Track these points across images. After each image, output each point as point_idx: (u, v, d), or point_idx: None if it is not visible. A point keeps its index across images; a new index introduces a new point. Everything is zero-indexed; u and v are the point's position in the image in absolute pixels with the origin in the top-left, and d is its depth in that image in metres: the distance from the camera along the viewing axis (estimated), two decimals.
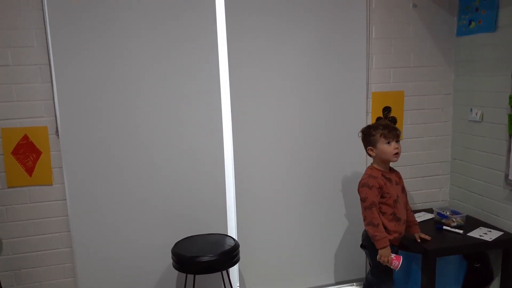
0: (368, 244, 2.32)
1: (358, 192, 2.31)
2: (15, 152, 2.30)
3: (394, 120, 2.85)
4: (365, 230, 2.33)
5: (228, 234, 2.56)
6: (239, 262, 2.38)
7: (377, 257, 2.22)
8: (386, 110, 2.84)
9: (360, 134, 2.39)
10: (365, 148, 2.36)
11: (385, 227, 2.25)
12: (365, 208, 2.25)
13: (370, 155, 2.36)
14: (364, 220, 2.26)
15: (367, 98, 2.78)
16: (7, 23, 2.22)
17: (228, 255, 2.21)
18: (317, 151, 2.73)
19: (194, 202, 2.56)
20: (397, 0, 2.74)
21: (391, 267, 2.21)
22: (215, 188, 2.58)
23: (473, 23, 2.68)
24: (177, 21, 2.39)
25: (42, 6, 2.22)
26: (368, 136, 2.32)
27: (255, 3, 2.49)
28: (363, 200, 2.26)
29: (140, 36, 2.36)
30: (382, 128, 2.28)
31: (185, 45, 2.42)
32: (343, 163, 2.78)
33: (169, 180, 2.51)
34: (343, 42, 2.66)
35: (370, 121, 2.81)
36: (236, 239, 2.43)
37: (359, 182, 2.32)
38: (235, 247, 2.27)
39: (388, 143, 2.27)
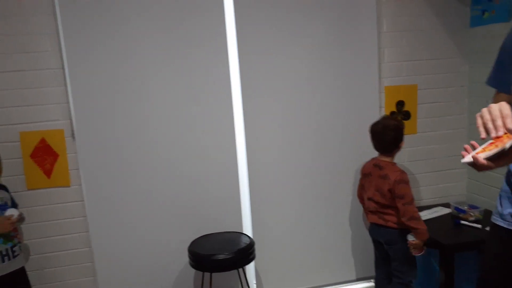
0: (394, 240, 2.31)
1: (393, 190, 2.23)
2: (33, 155, 2.35)
3: (407, 114, 2.82)
4: (384, 228, 2.32)
5: (244, 232, 2.57)
6: (256, 260, 2.39)
7: (411, 248, 2.23)
8: (400, 104, 2.81)
9: (395, 130, 2.31)
10: (397, 143, 2.31)
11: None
12: (403, 204, 2.20)
13: (396, 150, 2.34)
14: (403, 216, 2.20)
15: (379, 93, 2.75)
16: (22, 29, 2.26)
17: (243, 253, 2.23)
18: (330, 147, 2.72)
19: (209, 201, 2.58)
20: None
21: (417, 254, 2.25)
22: (230, 187, 2.59)
23: (486, 14, 2.63)
24: (187, 23, 2.41)
25: (54, 11, 2.26)
26: (402, 130, 2.32)
27: (264, 1, 2.49)
28: (401, 196, 2.21)
29: (151, 39, 2.38)
30: (400, 120, 2.39)
31: (195, 47, 2.43)
32: (357, 158, 2.76)
33: (184, 180, 2.53)
34: (353, 36, 2.64)
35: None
36: (252, 237, 2.44)
37: (392, 180, 2.23)
38: (251, 245, 2.28)
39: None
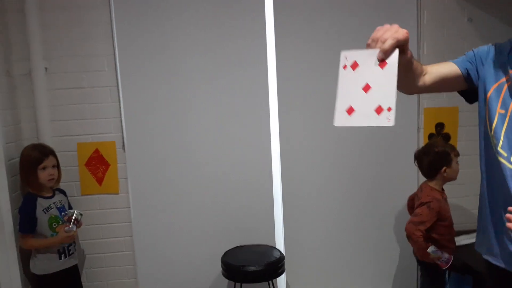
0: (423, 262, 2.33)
1: (415, 207, 2.31)
2: (87, 164, 2.60)
3: (447, 137, 2.79)
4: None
5: (275, 246, 2.66)
6: (286, 273, 2.46)
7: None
8: (439, 126, 2.78)
9: (426, 155, 2.35)
10: (439, 168, 2.32)
11: (445, 246, 2.25)
12: (411, 222, 2.24)
13: (439, 176, 2.33)
14: (406, 230, 2.26)
15: (418, 114, 2.75)
16: (84, 51, 2.53)
17: (273, 266, 2.31)
18: (366, 166, 2.75)
19: (245, 214, 2.70)
20: (451, 15, 2.70)
21: (443, 262, 2.19)
22: (264, 202, 2.70)
23: None
24: (230, 47, 2.58)
25: (112, 35, 2.52)
26: (442, 155, 2.31)
27: (302, 28, 2.60)
28: (416, 214, 2.26)
29: (197, 61, 2.57)
30: (451, 147, 2.34)
31: (236, 68, 2.59)
32: (394, 179, 2.77)
33: (222, 192, 2.68)
34: None
35: (422, 137, 2.77)
36: (283, 251, 2.52)
37: (421, 201, 2.28)
38: (281, 259, 2.37)
39: (457, 162, 2.33)
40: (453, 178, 2.35)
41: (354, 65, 1.11)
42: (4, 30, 2.40)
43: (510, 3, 2.69)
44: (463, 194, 2.84)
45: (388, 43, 1.06)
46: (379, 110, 1.08)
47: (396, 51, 1.07)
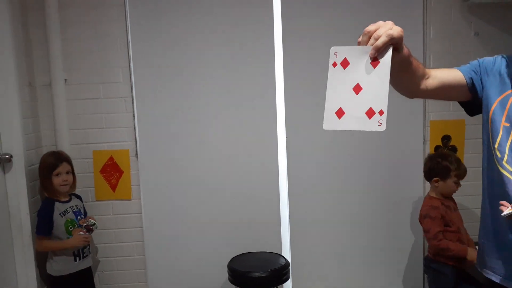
0: (426, 267, 2.38)
1: (420, 223, 2.37)
2: (102, 171, 2.72)
3: (454, 149, 2.81)
4: (426, 256, 2.41)
5: (281, 254, 2.72)
6: (293, 281, 2.52)
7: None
8: (445, 138, 2.81)
9: (430, 160, 2.42)
10: (430, 176, 2.39)
11: None
12: (429, 239, 2.31)
13: (432, 184, 2.41)
14: (429, 250, 2.34)
15: (424, 126, 2.79)
16: (101, 64, 2.67)
17: (278, 272, 2.36)
18: (373, 176, 2.79)
19: (252, 222, 2.77)
20: (457, 29, 2.74)
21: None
22: (271, 210, 2.76)
23: None
24: (240, 63, 2.68)
25: (128, 49, 2.65)
26: (442, 167, 2.35)
27: (309, 44, 2.67)
28: (426, 231, 2.32)
29: (207, 74, 2.68)
30: (458, 167, 2.34)
31: (246, 81, 2.69)
32: (400, 190, 2.80)
33: (230, 201, 2.76)
34: None
35: (428, 149, 2.81)
36: (288, 259, 2.58)
37: (420, 214, 2.38)
38: (285, 266, 2.42)
39: (456, 183, 2.34)
40: (444, 193, 2.39)
41: (345, 63, 1.03)
42: (27, 44, 2.56)
43: None
44: (471, 206, 2.85)
45: (381, 40, 0.98)
46: (370, 113, 1.00)
47: (390, 50, 0.99)
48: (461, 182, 2.81)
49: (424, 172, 2.48)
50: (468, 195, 2.84)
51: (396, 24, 1.05)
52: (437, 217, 2.27)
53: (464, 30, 2.74)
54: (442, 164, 2.35)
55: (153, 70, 2.65)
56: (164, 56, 2.65)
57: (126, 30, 2.63)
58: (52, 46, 2.57)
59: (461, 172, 2.34)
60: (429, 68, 2.70)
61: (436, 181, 2.36)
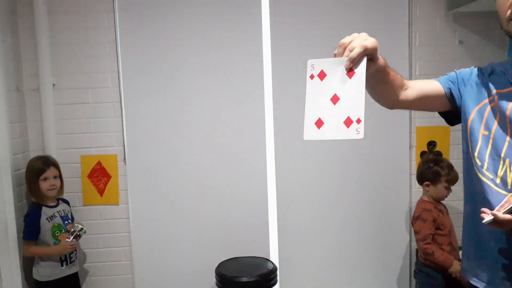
0: (417, 270, 2.44)
1: (412, 225, 2.43)
2: (90, 176, 2.72)
3: (439, 155, 2.86)
4: (417, 259, 2.46)
5: (269, 259, 2.73)
6: (281, 285, 2.53)
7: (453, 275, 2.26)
8: (431, 144, 2.86)
9: (423, 164, 2.48)
10: (421, 180, 2.46)
11: None
12: (417, 240, 2.36)
13: (423, 188, 2.46)
14: (419, 251, 2.40)
15: (410, 132, 2.83)
16: (90, 69, 2.67)
17: (265, 277, 2.38)
18: (360, 181, 2.82)
19: (240, 227, 2.78)
20: (442, 38, 2.79)
21: None
22: (259, 215, 2.78)
23: None
24: (228, 68, 2.70)
25: (117, 54, 2.66)
26: (433, 172, 2.40)
27: (299, 46, 2.70)
28: (416, 232, 2.37)
29: (195, 83, 2.70)
30: (448, 173, 2.39)
31: (234, 87, 2.72)
32: (386, 195, 2.84)
33: (218, 205, 2.77)
34: None
35: (414, 155, 2.85)
36: (276, 264, 2.59)
37: (413, 216, 2.44)
38: (273, 271, 2.43)
39: (446, 188, 2.40)
40: (435, 197, 2.44)
41: (322, 75, 1.07)
42: (16, 49, 2.56)
43: (499, 27, 2.77)
44: (457, 211, 2.89)
45: (356, 51, 1.01)
46: (348, 122, 1.03)
47: (364, 60, 1.02)
48: (453, 187, 2.88)
49: (416, 176, 2.55)
50: (460, 199, 2.88)
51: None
52: (429, 219, 2.33)
53: (448, 38, 2.80)
54: (433, 169, 2.41)
55: (142, 75, 2.67)
56: (153, 62, 2.67)
57: (115, 36, 2.65)
58: (40, 50, 2.57)
59: (452, 178, 2.39)
60: (415, 75, 2.79)
61: (427, 185, 2.42)
